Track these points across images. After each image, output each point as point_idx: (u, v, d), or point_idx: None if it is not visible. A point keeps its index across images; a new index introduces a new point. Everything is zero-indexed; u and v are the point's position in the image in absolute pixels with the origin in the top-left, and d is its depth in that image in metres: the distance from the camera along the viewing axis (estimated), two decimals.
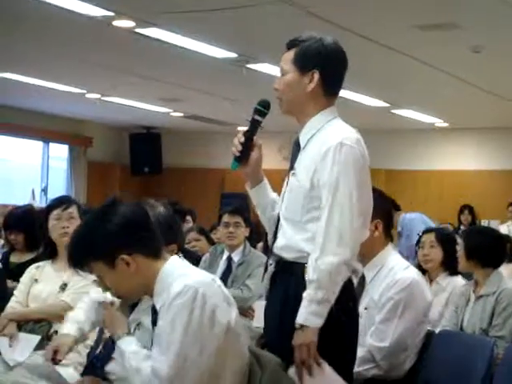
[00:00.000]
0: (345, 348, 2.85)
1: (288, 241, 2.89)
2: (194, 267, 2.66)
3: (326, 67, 2.90)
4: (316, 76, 2.89)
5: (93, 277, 3.96)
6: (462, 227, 10.90)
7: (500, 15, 6.16)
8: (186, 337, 2.42)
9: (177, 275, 2.53)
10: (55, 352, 2.85)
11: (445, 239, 4.90)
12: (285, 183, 3.01)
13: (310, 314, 2.71)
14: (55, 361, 2.85)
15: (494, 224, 10.99)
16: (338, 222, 2.75)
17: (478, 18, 6.26)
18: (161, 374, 2.43)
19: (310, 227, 2.83)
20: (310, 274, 2.74)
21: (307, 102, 2.93)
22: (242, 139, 2.99)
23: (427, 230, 5.10)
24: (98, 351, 3.04)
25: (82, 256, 2.58)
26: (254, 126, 3.00)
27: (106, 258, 2.53)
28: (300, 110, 2.96)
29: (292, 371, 2.74)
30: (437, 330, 4.36)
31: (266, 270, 3.03)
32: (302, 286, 2.78)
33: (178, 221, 3.48)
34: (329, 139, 2.83)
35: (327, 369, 2.74)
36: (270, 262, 3.01)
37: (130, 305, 3.05)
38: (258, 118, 2.99)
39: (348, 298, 2.84)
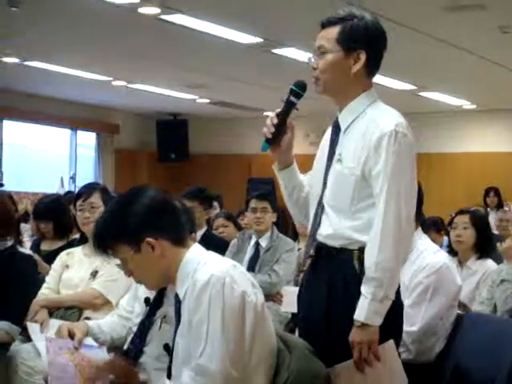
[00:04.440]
0: (395, 337, 2.81)
1: (335, 229, 2.81)
2: (214, 254, 2.64)
3: (371, 48, 2.80)
4: (363, 57, 2.78)
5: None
6: (488, 209, 10.82)
7: None
8: (225, 328, 2.41)
9: (200, 263, 2.53)
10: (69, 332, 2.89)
11: (479, 221, 4.84)
12: (318, 166, 2.93)
13: (372, 312, 2.66)
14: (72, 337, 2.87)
15: None
16: (395, 217, 2.68)
17: None
18: (211, 370, 2.40)
19: (361, 216, 2.76)
20: (370, 272, 2.67)
21: (350, 84, 2.82)
22: (276, 120, 2.88)
23: (462, 211, 4.98)
24: (125, 348, 3.06)
25: (107, 237, 2.56)
26: (289, 107, 2.89)
27: (131, 240, 2.52)
28: (341, 92, 2.85)
29: (341, 366, 2.72)
30: (473, 307, 4.34)
31: (308, 256, 2.93)
32: (350, 272, 2.75)
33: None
34: (381, 125, 2.74)
35: (388, 358, 2.72)
36: (311, 248, 2.91)
37: (145, 300, 3.07)
38: (293, 99, 2.88)
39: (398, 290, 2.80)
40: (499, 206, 11.29)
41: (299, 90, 2.88)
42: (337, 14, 2.84)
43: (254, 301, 2.49)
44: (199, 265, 2.52)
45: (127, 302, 3.24)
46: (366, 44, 2.79)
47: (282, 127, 2.90)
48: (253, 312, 2.47)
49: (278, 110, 2.90)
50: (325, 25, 2.85)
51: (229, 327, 2.42)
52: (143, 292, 3.07)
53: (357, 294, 2.70)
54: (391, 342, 2.76)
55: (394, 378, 2.78)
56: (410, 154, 2.75)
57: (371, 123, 2.78)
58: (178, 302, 2.58)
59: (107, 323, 3.15)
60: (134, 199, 2.57)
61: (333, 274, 2.81)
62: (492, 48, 7.97)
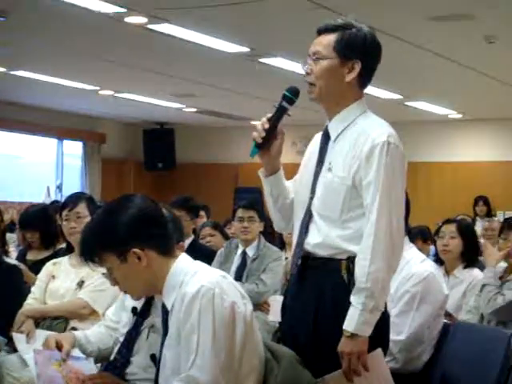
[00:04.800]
0: (381, 347, 2.80)
1: (324, 238, 2.80)
2: (203, 264, 2.63)
3: (367, 59, 2.82)
4: (357, 67, 2.79)
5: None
6: (478, 218, 10.85)
7: None
8: (216, 338, 2.39)
9: (188, 273, 2.51)
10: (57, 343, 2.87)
11: (465, 230, 4.84)
12: (305, 174, 2.92)
13: (362, 323, 2.65)
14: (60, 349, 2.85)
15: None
16: (387, 228, 2.67)
17: (492, 8, 6.22)
18: (201, 381, 2.38)
19: (351, 225, 2.76)
20: (361, 282, 2.66)
21: (343, 92, 2.83)
22: (267, 125, 2.84)
23: (448, 221, 4.99)
24: (112, 358, 3.04)
25: (94, 246, 2.54)
26: (281, 113, 2.86)
27: (118, 250, 2.50)
28: (333, 100, 2.85)
29: (330, 376, 2.71)
30: (459, 316, 4.35)
31: (296, 264, 2.90)
32: (339, 283, 2.74)
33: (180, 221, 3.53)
34: (372, 135, 2.75)
35: (375, 363, 2.73)
36: (298, 257, 2.88)
37: (133, 309, 3.05)
38: (285, 105, 2.85)
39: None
40: (488, 214, 11.35)
41: (292, 95, 2.86)
42: (335, 21, 2.84)
43: (243, 311, 2.48)
44: (187, 276, 2.51)
45: (114, 312, 3.22)
46: (362, 54, 2.80)
47: (272, 133, 2.86)
48: (243, 322, 2.47)
49: (270, 115, 2.87)
50: (321, 31, 2.85)
51: (219, 338, 2.40)
52: (130, 302, 3.05)
53: (346, 305, 2.69)
54: (379, 350, 2.76)
55: None
56: (401, 166, 2.76)
57: (362, 133, 2.78)
58: (165, 313, 2.57)
59: (94, 334, 3.13)
60: (121, 209, 2.55)
61: (321, 284, 2.79)
62: (478, 58, 8.02)
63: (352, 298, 2.68)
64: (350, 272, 2.73)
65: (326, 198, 2.81)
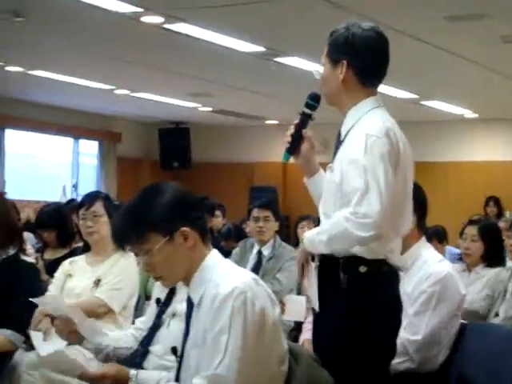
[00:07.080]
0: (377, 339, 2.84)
1: None
2: (234, 264, 2.61)
3: (354, 56, 2.85)
4: (344, 66, 2.86)
5: (126, 273, 4.02)
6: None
7: None
8: (246, 341, 2.36)
9: (220, 272, 2.48)
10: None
11: (488, 233, 4.80)
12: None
13: (312, 237, 2.84)
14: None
15: None
16: (365, 208, 2.67)
17: (508, 7, 6.19)
18: (228, 381, 2.35)
19: None
20: (333, 219, 2.76)
21: (342, 93, 2.90)
22: (292, 131, 3.02)
23: (472, 222, 4.96)
24: (134, 349, 3.05)
25: (142, 224, 2.46)
26: (304, 118, 3.03)
27: (166, 229, 2.45)
28: (338, 102, 2.95)
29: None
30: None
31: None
32: (336, 282, 2.80)
33: None
34: (361, 131, 2.79)
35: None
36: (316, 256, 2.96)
37: (157, 300, 3.06)
38: (307, 111, 3.02)
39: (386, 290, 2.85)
40: (499, 215, 11.31)
41: (312, 101, 3.01)
42: (338, 26, 2.93)
43: (272, 317, 2.46)
44: (217, 273, 2.47)
45: (148, 316, 3.21)
46: (346, 54, 2.86)
47: (299, 137, 3.03)
48: (271, 328, 2.44)
49: (296, 121, 3.03)
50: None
51: (249, 342, 2.37)
52: (156, 294, 3.11)
53: (338, 305, 2.78)
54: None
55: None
56: (382, 157, 2.72)
57: (360, 131, 2.80)
58: (189, 306, 2.54)
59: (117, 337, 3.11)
60: (163, 190, 2.52)
61: (322, 282, 2.88)
62: (494, 57, 7.98)
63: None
64: (346, 272, 2.78)
65: (326, 196, 2.91)
